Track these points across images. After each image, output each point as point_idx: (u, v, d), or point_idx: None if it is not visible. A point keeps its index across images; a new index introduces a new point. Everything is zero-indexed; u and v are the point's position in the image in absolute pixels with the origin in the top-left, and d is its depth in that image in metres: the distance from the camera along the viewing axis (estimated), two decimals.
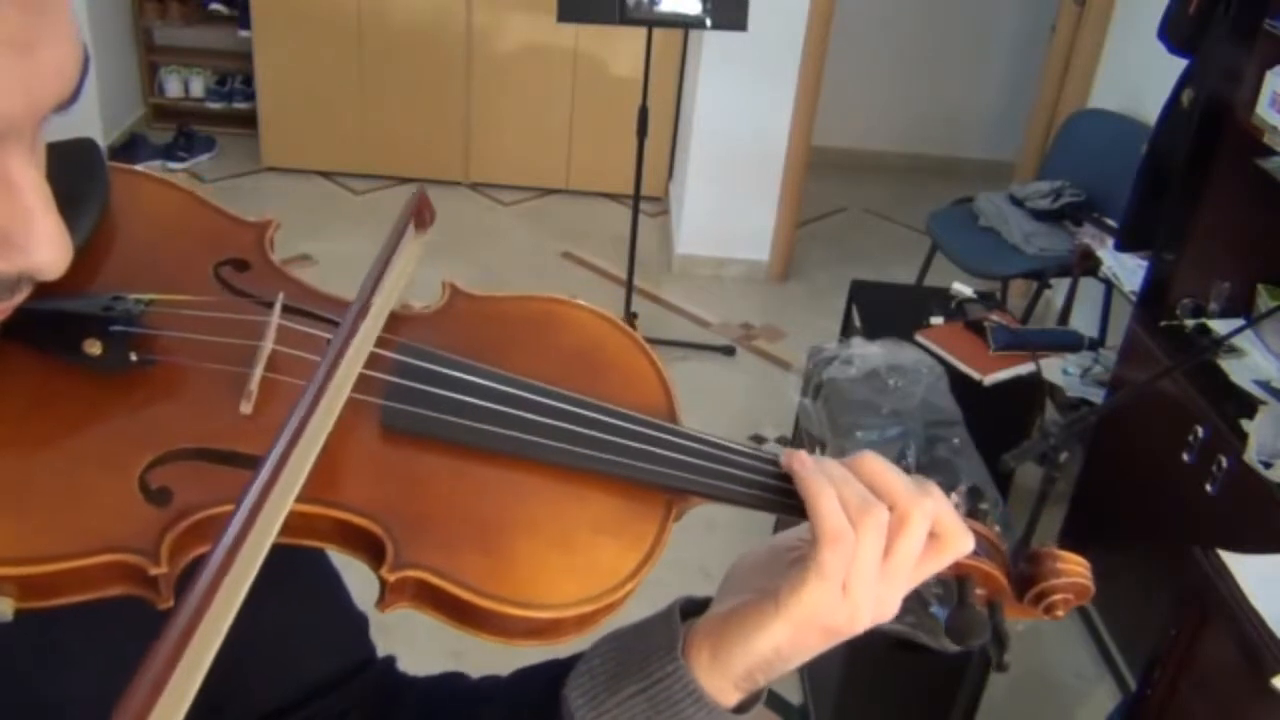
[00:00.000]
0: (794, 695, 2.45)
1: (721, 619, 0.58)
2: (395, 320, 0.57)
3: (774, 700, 2.46)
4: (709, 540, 2.72)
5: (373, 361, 0.54)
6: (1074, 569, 0.62)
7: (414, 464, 0.52)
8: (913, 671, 2.10)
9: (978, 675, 1.98)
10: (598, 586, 0.52)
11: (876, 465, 0.56)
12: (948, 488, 0.58)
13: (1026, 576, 0.62)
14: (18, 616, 0.43)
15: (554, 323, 0.62)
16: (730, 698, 0.57)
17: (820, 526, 0.54)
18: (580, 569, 0.52)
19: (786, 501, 0.57)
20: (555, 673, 0.63)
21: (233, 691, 0.62)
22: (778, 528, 2.77)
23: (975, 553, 0.58)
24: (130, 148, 4.79)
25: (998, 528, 0.64)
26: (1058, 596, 0.62)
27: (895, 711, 2.25)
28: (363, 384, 0.52)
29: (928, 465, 2.13)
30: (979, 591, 0.60)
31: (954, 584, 0.59)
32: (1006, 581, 0.62)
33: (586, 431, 0.55)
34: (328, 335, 0.55)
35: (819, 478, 0.55)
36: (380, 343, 0.55)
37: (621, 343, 0.62)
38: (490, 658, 0.73)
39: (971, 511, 0.59)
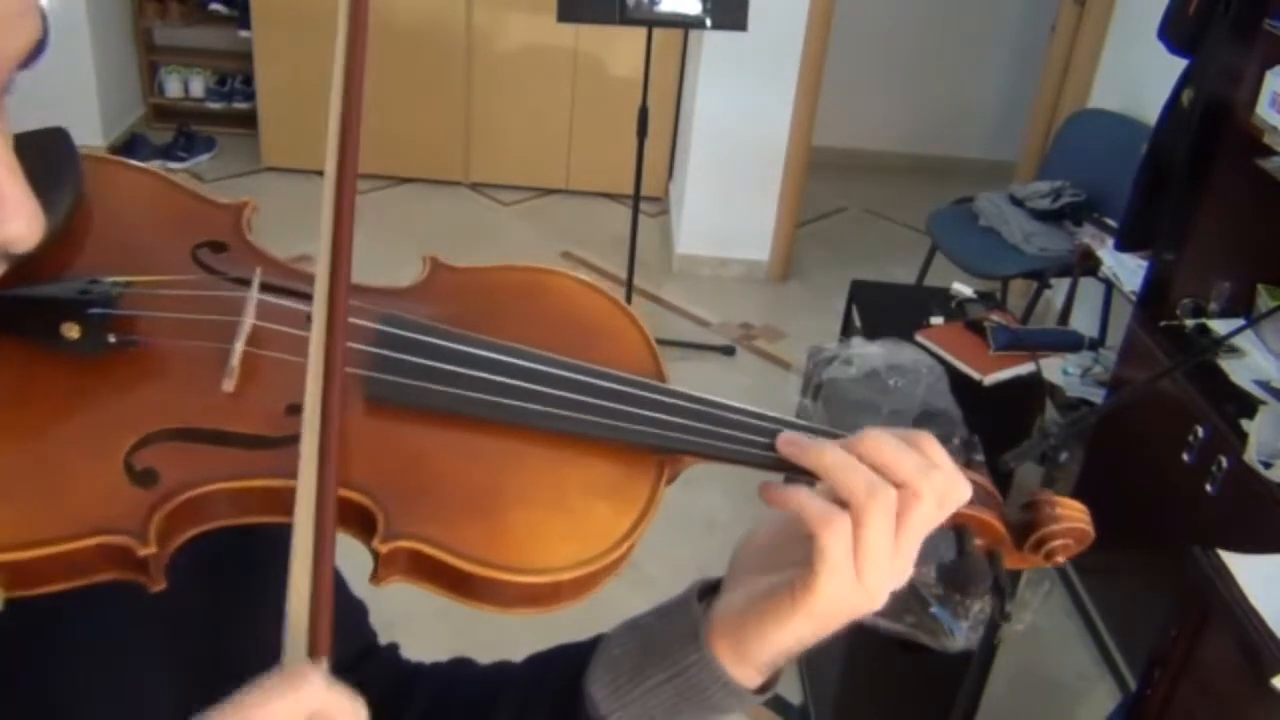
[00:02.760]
0: (794, 695, 2.45)
1: (740, 613, 0.58)
2: (376, 294, 0.57)
3: (774, 700, 2.46)
4: (709, 540, 2.72)
5: (353, 333, 0.53)
6: (1073, 514, 0.61)
7: (400, 434, 0.52)
8: (913, 671, 2.10)
9: (978, 675, 1.98)
10: (593, 549, 0.51)
11: (879, 442, 0.54)
12: (942, 440, 0.57)
13: (1025, 524, 0.62)
14: (9, 605, 0.43)
15: (537, 290, 0.62)
16: (754, 680, 0.58)
17: (807, 519, 0.53)
18: (575, 532, 0.51)
19: (779, 458, 0.56)
20: (572, 660, 0.63)
21: (235, 683, 0.62)
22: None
23: (972, 502, 0.57)
24: (130, 148, 4.79)
25: None
26: (1057, 542, 0.61)
27: (895, 711, 2.25)
28: (345, 356, 0.51)
29: None
30: (978, 541, 0.59)
31: (952, 534, 0.59)
32: (1005, 529, 0.61)
33: (574, 395, 0.54)
34: (308, 308, 0.54)
35: (807, 463, 0.54)
36: (360, 314, 0.54)
37: (605, 307, 0.62)
38: (487, 653, 0.73)
39: (967, 462, 0.58)
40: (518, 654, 0.70)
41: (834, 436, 0.58)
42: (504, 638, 0.73)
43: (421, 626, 0.77)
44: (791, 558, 0.58)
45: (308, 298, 0.54)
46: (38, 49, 0.42)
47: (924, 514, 0.54)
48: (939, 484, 0.54)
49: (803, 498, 0.54)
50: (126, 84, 5.08)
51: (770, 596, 0.56)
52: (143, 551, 0.45)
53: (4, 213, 0.42)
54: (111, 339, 0.50)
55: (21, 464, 0.46)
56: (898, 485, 0.53)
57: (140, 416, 0.48)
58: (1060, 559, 0.63)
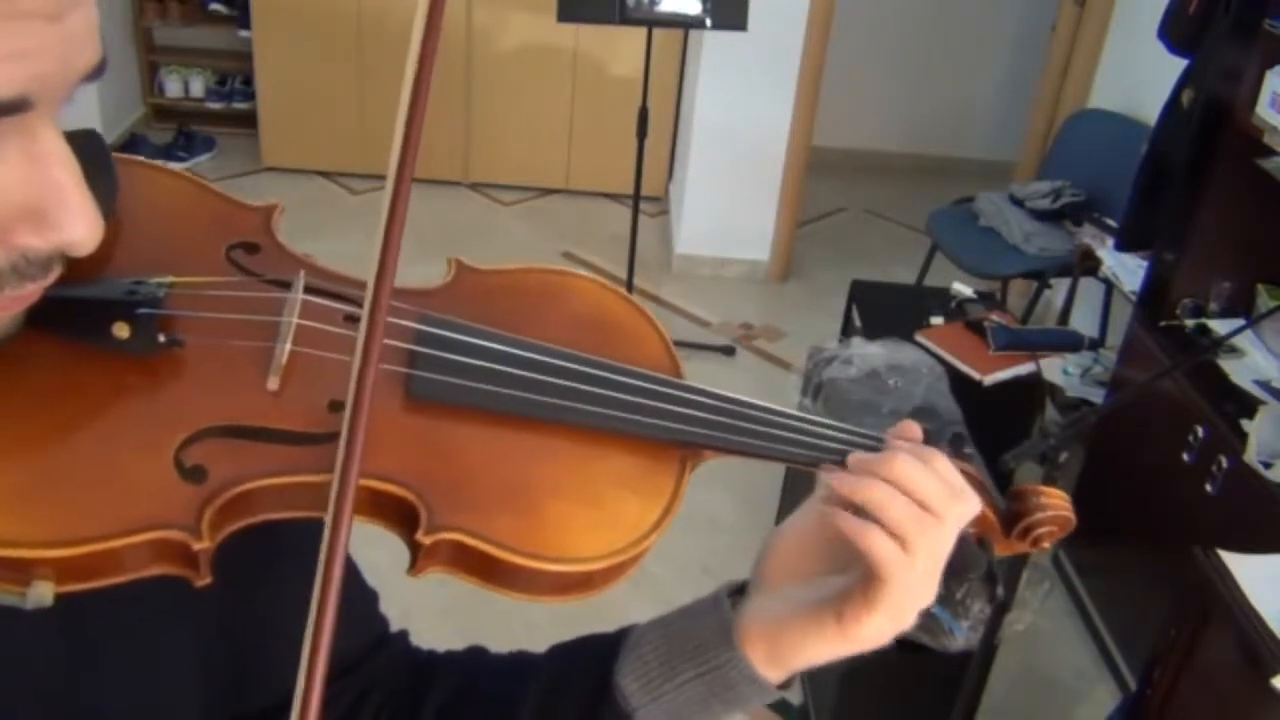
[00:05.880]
0: (794, 696, 2.46)
1: (780, 623, 0.60)
2: (409, 294, 0.58)
3: (774, 700, 2.46)
4: (712, 540, 2.72)
5: (394, 332, 0.54)
6: (1056, 502, 0.65)
7: (439, 430, 0.54)
8: (913, 671, 2.10)
9: (978, 675, 1.98)
10: (624, 539, 0.54)
11: (908, 469, 0.56)
12: (935, 436, 0.61)
13: (1012, 513, 0.66)
14: (58, 601, 0.44)
15: (558, 291, 0.64)
16: (780, 679, 0.61)
17: (881, 564, 0.55)
18: (607, 523, 0.54)
19: (792, 451, 0.59)
20: (599, 653, 0.64)
21: (254, 676, 0.63)
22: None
23: None
24: (130, 148, 4.79)
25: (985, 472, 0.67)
26: (1043, 530, 0.65)
27: (895, 711, 2.25)
28: (386, 354, 0.53)
29: None
30: (970, 530, 0.62)
31: None
32: (995, 519, 0.65)
33: (604, 392, 0.56)
34: (347, 309, 0.55)
35: (869, 506, 0.56)
36: (399, 313, 0.55)
37: (623, 307, 0.64)
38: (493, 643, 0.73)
39: (957, 455, 0.61)
40: (514, 642, 0.70)
41: (854, 435, 0.60)
42: (506, 634, 0.73)
43: (425, 625, 0.77)
44: (823, 567, 0.61)
45: (344, 298, 0.56)
46: (100, 68, 0.43)
47: (950, 540, 0.57)
48: (959, 512, 0.57)
49: (878, 540, 0.55)
50: (126, 84, 5.08)
51: (814, 616, 0.58)
52: (197, 546, 0.46)
53: (70, 218, 0.42)
54: (161, 338, 0.50)
55: (74, 462, 0.46)
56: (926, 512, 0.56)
57: (188, 414, 0.49)
58: (1046, 545, 0.66)
